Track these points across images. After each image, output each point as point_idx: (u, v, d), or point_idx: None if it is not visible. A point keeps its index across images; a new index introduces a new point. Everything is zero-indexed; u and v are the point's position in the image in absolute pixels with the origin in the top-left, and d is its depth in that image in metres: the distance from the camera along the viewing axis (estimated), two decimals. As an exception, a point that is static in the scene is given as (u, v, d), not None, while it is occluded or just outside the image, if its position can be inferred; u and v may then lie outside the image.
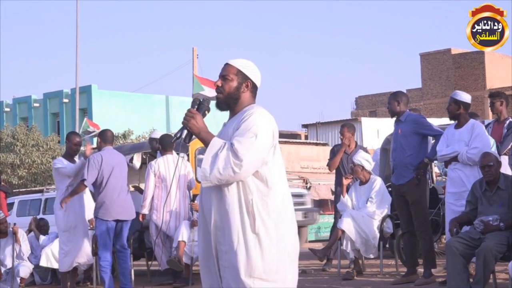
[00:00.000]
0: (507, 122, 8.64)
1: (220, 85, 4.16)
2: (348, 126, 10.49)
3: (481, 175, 7.55)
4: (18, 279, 10.16)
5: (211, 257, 4.07)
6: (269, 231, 3.98)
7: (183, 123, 4.06)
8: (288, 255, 4.05)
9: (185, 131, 4.07)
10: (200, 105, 4.13)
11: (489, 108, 9.13)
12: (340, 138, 10.44)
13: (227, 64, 4.19)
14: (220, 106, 4.20)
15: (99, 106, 38.62)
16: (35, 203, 20.37)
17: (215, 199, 4.04)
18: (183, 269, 9.41)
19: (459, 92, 7.97)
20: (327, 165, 10.69)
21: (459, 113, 7.85)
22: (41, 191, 21.81)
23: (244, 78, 4.17)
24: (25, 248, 10.37)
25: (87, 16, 72.99)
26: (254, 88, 4.21)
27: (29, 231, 11.11)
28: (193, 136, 4.10)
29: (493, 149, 8.00)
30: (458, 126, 7.90)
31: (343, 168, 10.27)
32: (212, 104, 4.19)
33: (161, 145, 9.69)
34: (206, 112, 4.14)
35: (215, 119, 4.27)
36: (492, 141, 8.20)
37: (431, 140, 8.61)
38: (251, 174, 3.97)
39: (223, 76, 4.17)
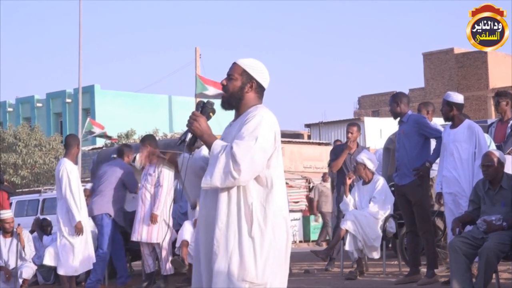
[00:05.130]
0: (511, 122, 8.64)
1: (225, 84, 4.17)
2: (357, 125, 10.39)
3: (474, 175, 7.60)
4: (21, 280, 10.16)
5: (206, 259, 4.05)
6: (265, 235, 3.99)
7: (187, 125, 4.07)
8: (278, 258, 4.04)
9: (189, 134, 4.08)
10: (204, 108, 4.13)
11: (494, 106, 9.11)
12: (348, 136, 10.29)
13: (234, 64, 4.18)
14: (224, 106, 4.20)
15: (102, 106, 38.66)
16: (33, 203, 20.42)
17: (215, 201, 4.03)
18: (187, 268, 9.42)
19: (451, 93, 8.01)
20: (329, 165, 10.65)
21: (453, 115, 7.89)
22: (38, 192, 21.86)
23: (248, 78, 4.14)
24: (29, 250, 10.37)
25: (90, 16, 73.09)
26: (260, 89, 4.18)
27: (32, 231, 11.11)
28: (198, 139, 4.10)
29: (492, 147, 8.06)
30: (453, 126, 7.94)
31: (346, 168, 10.22)
32: (218, 104, 4.19)
33: None
34: (211, 114, 4.13)
35: (217, 120, 4.27)
36: (488, 139, 8.23)
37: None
38: (252, 178, 3.96)
39: (228, 76, 4.17)
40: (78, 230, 9.15)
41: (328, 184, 17.93)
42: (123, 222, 10.02)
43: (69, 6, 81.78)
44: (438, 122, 9.24)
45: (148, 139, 9.76)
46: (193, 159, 4.21)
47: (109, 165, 10.20)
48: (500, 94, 8.85)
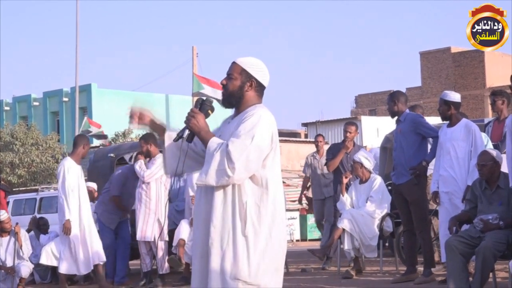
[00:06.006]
0: (507, 120, 8.63)
1: (225, 83, 4.18)
2: (355, 125, 10.43)
3: (469, 174, 7.62)
4: (18, 279, 10.14)
5: (202, 257, 4.06)
6: (259, 235, 3.98)
7: (184, 122, 4.08)
8: (273, 259, 4.04)
9: (187, 131, 4.09)
10: (202, 105, 4.15)
11: (490, 106, 9.12)
12: (346, 135, 10.29)
13: (233, 63, 4.19)
14: (224, 104, 4.22)
15: (99, 105, 38.63)
16: (30, 202, 20.47)
17: (211, 199, 4.03)
18: (183, 267, 9.41)
19: (448, 92, 8.02)
20: (325, 165, 10.65)
21: (450, 113, 7.90)
22: (36, 190, 21.90)
23: (248, 77, 4.15)
24: (26, 249, 10.36)
25: (87, 15, 72.99)
26: (260, 87, 4.18)
27: (28, 230, 11.10)
28: (195, 136, 4.11)
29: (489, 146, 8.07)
30: (450, 125, 7.96)
31: (343, 167, 10.22)
32: (216, 103, 4.20)
33: None
34: (210, 111, 4.15)
35: (215, 119, 4.27)
36: (485, 139, 8.23)
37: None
38: (247, 177, 3.96)
39: (228, 75, 4.18)
40: (65, 229, 9.10)
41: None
42: (111, 224, 10.09)
43: (66, 4, 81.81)
44: (429, 121, 9.24)
45: (151, 138, 9.59)
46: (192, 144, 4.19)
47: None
48: (496, 93, 8.85)
